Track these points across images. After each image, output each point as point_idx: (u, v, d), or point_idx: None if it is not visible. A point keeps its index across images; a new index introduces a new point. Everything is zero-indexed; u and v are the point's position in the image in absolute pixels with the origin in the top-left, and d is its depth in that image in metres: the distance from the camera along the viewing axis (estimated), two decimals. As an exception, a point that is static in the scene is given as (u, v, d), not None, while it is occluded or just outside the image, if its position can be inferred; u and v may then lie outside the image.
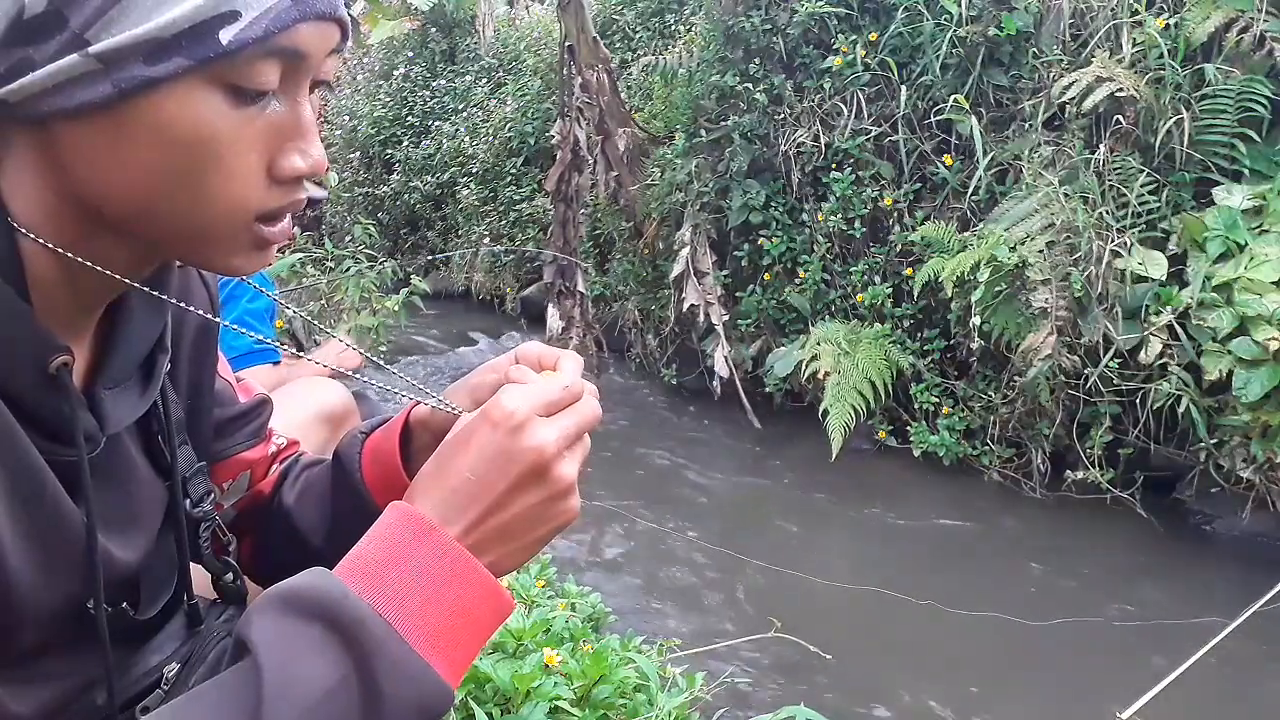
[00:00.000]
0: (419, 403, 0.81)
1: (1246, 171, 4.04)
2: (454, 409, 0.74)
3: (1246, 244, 3.85)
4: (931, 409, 4.79)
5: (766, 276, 5.52)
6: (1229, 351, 3.72)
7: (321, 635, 0.51)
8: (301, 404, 1.25)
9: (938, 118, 4.93)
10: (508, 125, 8.94)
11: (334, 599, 0.52)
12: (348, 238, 8.85)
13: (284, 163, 0.59)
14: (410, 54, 10.96)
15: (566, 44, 6.61)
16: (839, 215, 5.19)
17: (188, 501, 0.76)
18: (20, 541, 0.58)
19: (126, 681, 0.70)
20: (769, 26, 5.40)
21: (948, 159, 4.95)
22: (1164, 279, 4.02)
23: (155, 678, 0.71)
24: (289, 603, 0.52)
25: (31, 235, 0.58)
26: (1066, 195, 4.26)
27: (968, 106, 4.67)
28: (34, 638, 0.61)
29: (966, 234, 4.62)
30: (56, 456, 0.61)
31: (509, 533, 0.58)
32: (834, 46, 5.23)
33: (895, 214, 5.11)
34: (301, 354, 1.20)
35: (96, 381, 0.66)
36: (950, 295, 4.52)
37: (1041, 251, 4.20)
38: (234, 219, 0.59)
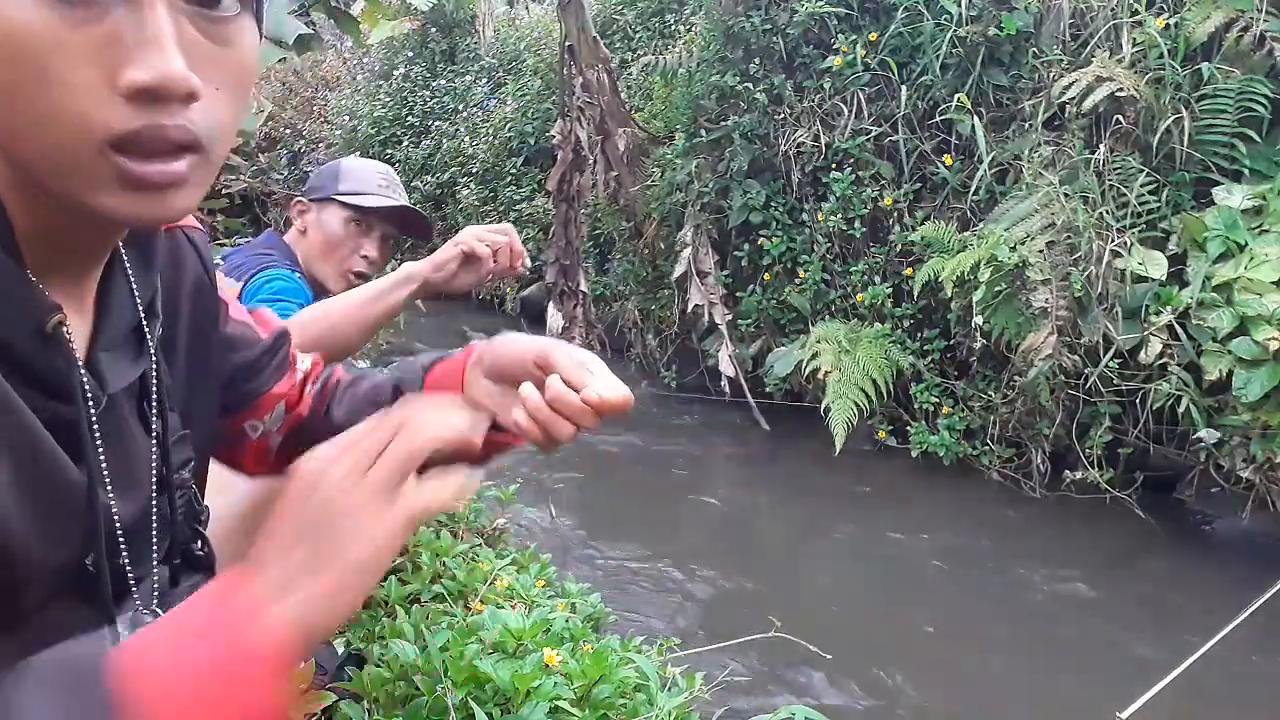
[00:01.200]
0: (476, 343, 0.93)
1: (1246, 171, 4.04)
2: None
3: (1246, 244, 3.85)
4: (931, 409, 4.79)
5: (767, 276, 5.53)
6: (1229, 351, 3.72)
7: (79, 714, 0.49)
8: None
9: (940, 118, 4.93)
10: (508, 125, 8.95)
11: (100, 697, 0.50)
12: (348, 238, 8.83)
13: (123, 74, 0.53)
14: (410, 54, 10.96)
15: (566, 44, 6.61)
16: (839, 215, 5.19)
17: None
18: (21, 502, 0.59)
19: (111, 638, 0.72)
20: (769, 26, 5.40)
21: (948, 159, 4.95)
22: (1164, 279, 4.02)
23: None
24: (59, 676, 0.51)
25: None
26: (1066, 195, 4.26)
27: (970, 105, 4.67)
28: (35, 597, 0.62)
29: (966, 234, 4.62)
30: (60, 415, 0.62)
31: (316, 558, 0.56)
32: (834, 46, 5.23)
33: (895, 214, 5.11)
34: None
35: (96, 344, 0.68)
36: (950, 295, 4.52)
37: (1041, 251, 4.20)
38: (79, 142, 0.54)
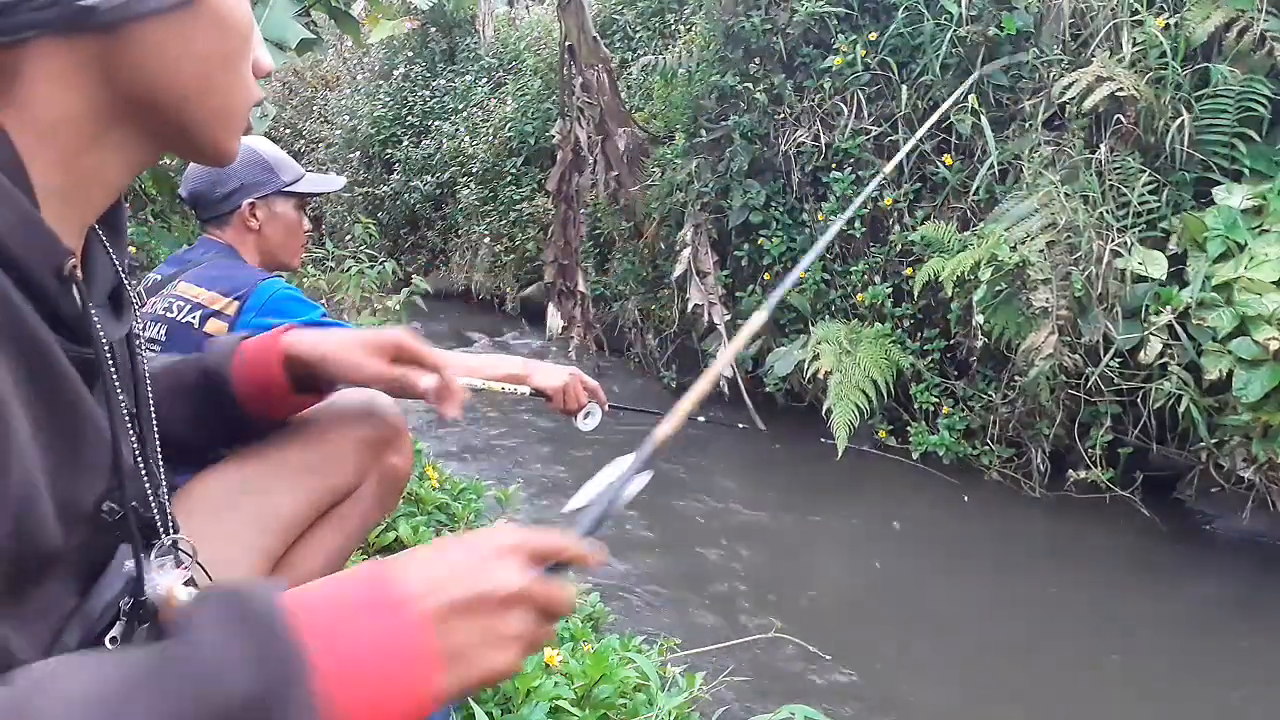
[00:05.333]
0: (291, 327, 1.08)
1: (1246, 171, 4.04)
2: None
3: (1246, 244, 3.85)
4: (931, 409, 4.79)
5: (767, 276, 5.53)
6: (1229, 351, 3.72)
7: (242, 655, 0.50)
8: (338, 427, 1.21)
9: (953, 119, 4.92)
10: (508, 125, 8.95)
11: (273, 621, 0.52)
12: (348, 237, 8.87)
13: (261, 60, 0.74)
14: (410, 54, 10.96)
15: (566, 44, 6.62)
16: (839, 215, 5.19)
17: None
18: (45, 442, 0.60)
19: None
20: (769, 26, 5.40)
21: (948, 159, 4.95)
22: (1164, 279, 4.02)
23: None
24: (228, 613, 0.53)
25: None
26: (1067, 195, 4.26)
27: (977, 106, 4.67)
28: (56, 544, 0.63)
29: (966, 234, 4.62)
30: (80, 358, 0.65)
31: (452, 637, 0.57)
32: (834, 46, 5.23)
33: (895, 214, 5.11)
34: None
35: (88, 300, 0.72)
36: (950, 295, 4.52)
37: (1042, 251, 4.20)
38: (249, 102, 0.73)
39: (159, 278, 1.89)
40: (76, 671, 0.48)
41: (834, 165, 5.25)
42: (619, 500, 0.70)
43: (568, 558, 0.63)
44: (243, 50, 0.70)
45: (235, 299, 1.80)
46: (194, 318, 1.77)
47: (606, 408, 1.91)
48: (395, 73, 10.93)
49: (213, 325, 1.77)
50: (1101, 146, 4.27)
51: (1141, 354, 3.97)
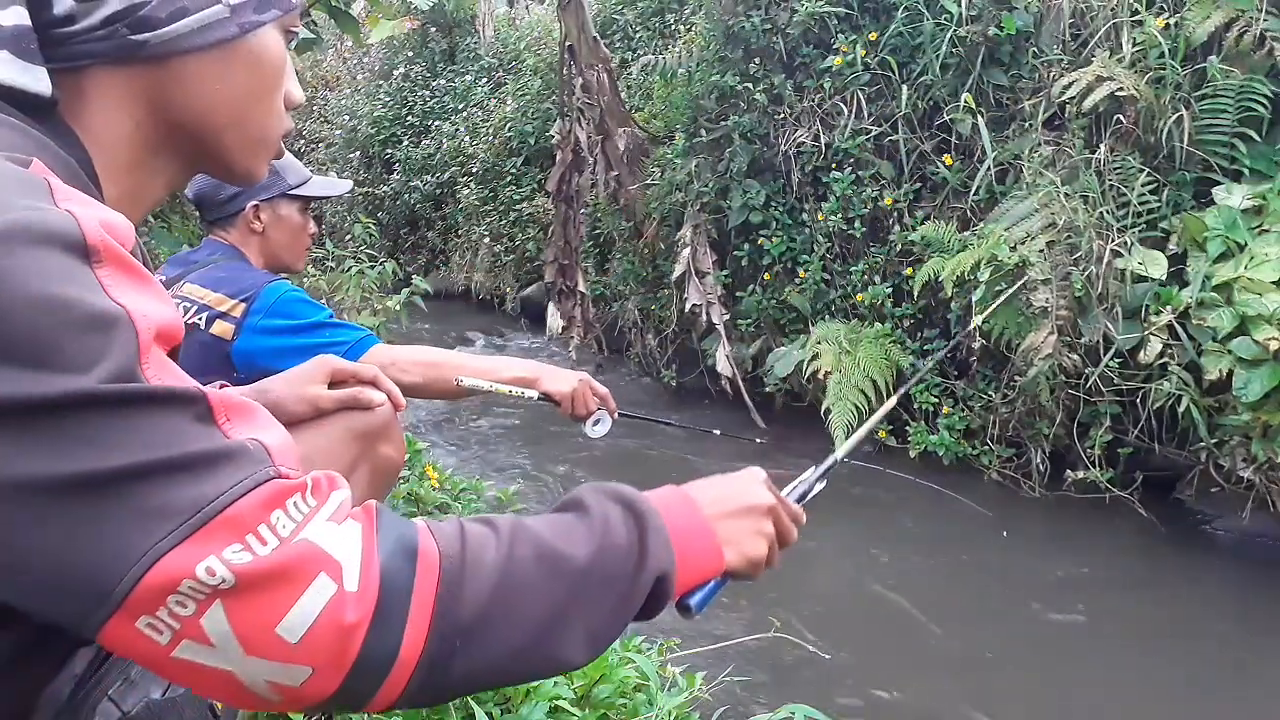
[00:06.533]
0: (224, 384, 1.20)
1: (1246, 171, 4.04)
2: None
3: (1246, 244, 3.84)
4: (931, 409, 4.78)
5: (766, 276, 5.52)
6: (1229, 351, 3.72)
7: (623, 513, 0.74)
8: (332, 418, 1.23)
9: (942, 118, 4.92)
10: (508, 125, 8.94)
11: (635, 496, 0.77)
12: (348, 237, 8.86)
13: (294, 93, 0.82)
14: (410, 54, 10.96)
15: (566, 44, 6.62)
16: (839, 215, 5.19)
17: None
18: None
19: None
20: (769, 26, 5.40)
21: (948, 159, 4.95)
22: (1164, 279, 4.02)
23: None
24: (605, 492, 0.76)
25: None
26: (1067, 195, 4.26)
27: (974, 105, 4.67)
28: None
29: (966, 234, 4.62)
30: None
31: (730, 530, 0.83)
32: (834, 46, 5.23)
33: (895, 214, 5.10)
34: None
35: None
36: (950, 295, 4.51)
37: (1042, 251, 4.19)
38: (280, 131, 0.81)
39: (163, 279, 1.89)
40: (527, 522, 0.72)
41: (834, 165, 5.24)
42: (809, 494, 1.00)
43: (790, 511, 0.91)
44: (277, 85, 0.78)
45: (241, 301, 1.80)
46: (200, 319, 1.78)
47: (616, 415, 1.90)
48: (395, 73, 10.93)
49: (219, 327, 1.78)
50: (1101, 146, 4.27)
51: (1141, 354, 3.97)
